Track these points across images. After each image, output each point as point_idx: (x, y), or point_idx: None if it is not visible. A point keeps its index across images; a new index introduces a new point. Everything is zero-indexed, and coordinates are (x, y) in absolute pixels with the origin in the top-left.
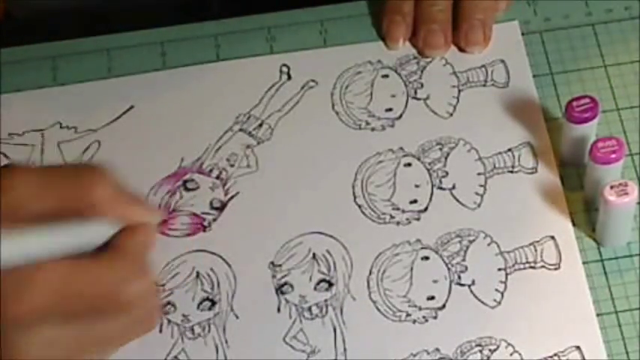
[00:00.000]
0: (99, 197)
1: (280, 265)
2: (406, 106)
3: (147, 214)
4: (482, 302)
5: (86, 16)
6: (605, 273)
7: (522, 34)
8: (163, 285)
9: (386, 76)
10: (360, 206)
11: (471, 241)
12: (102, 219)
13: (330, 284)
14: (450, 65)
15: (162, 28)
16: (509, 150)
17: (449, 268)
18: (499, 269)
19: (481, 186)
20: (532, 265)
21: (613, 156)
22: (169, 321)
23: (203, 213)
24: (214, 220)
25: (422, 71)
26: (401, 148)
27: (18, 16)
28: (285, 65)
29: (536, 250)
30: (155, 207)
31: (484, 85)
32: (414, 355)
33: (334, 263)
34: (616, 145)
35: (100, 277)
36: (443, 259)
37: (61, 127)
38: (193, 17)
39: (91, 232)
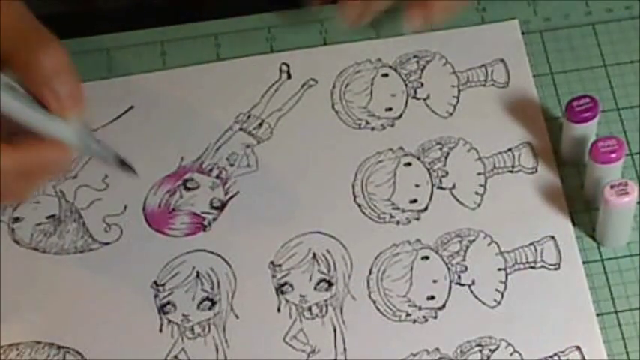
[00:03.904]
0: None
1: (280, 265)
2: (406, 105)
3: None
4: (482, 302)
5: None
6: (605, 273)
7: (522, 33)
8: (163, 285)
9: (386, 74)
10: (360, 206)
11: (470, 241)
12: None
13: (330, 284)
14: (449, 65)
15: (162, 27)
16: (509, 150)
17: (449, 268)
18: (499, 269)
19: (481, 186)
20: (532, 265)
21: (613, 156)
22: (169, 321)
23: (203, 212)
24: (214, 219)
25: (422, 70)
26: (401, 148)
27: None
28: (284, 64)
29: (536, 250)
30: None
31: (484, 85)
32: (414, 355)
33: (334, 263)
34: (616, 144)
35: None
36: (443, 259)
37: None
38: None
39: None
